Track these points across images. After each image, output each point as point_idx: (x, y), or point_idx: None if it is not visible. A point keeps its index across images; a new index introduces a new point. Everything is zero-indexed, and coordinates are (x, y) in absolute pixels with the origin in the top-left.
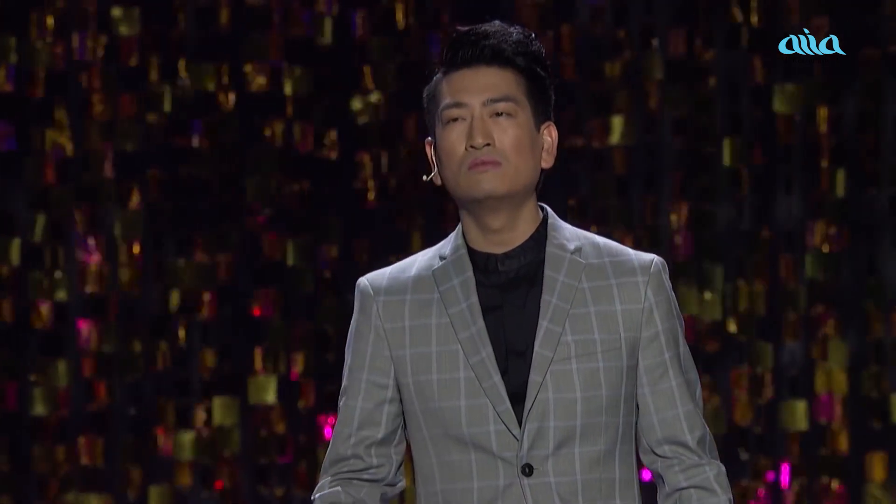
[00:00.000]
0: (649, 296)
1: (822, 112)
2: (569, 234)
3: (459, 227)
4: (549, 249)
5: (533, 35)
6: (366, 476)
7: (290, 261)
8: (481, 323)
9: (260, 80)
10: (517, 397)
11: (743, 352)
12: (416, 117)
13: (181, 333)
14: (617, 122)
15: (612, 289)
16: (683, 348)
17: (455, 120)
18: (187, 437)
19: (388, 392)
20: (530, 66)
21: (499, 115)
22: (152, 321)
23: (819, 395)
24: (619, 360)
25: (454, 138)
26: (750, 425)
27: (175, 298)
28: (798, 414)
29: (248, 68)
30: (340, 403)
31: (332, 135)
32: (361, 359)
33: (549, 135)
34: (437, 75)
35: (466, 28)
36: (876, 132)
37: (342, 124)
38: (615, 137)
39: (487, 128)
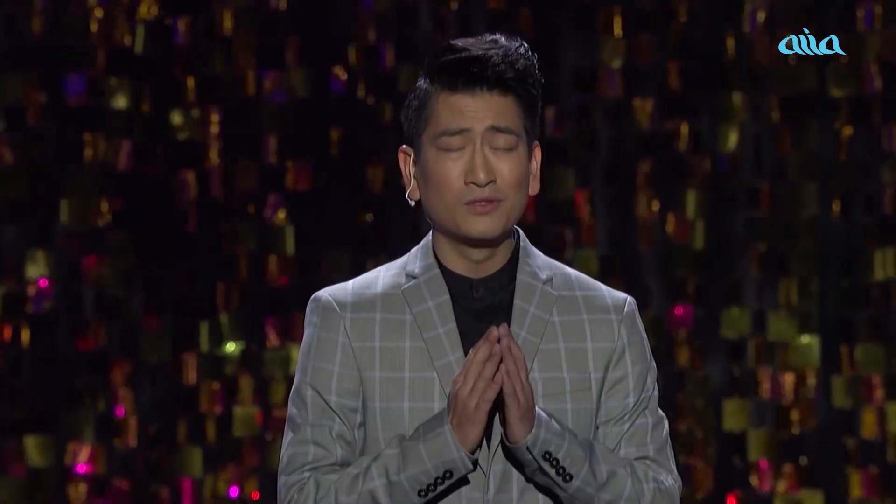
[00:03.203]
0: (623, 335)
1: None
2: (541, 262)
3: (429, 243)
4: (521, 277)
5: (534, 55)
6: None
7: None
8: (461, 352)
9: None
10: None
11: None
12: None
13: None
14: None
15: (584, 325)
16: (650, 392)
17: (453, 148)
18: None
19: (358, 416)
20: (529, 91)
21: (499, 148)
22: None
23: None
24: (588, 401)
25: (450, 168)
26: None
27: None
28: None
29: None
30: (306, 432)
31: None
32: (327, 379)
33: (535, 157)
34: (428, 86)
35: (469, 45)
36: None
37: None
38: None
39: (489, 163)
